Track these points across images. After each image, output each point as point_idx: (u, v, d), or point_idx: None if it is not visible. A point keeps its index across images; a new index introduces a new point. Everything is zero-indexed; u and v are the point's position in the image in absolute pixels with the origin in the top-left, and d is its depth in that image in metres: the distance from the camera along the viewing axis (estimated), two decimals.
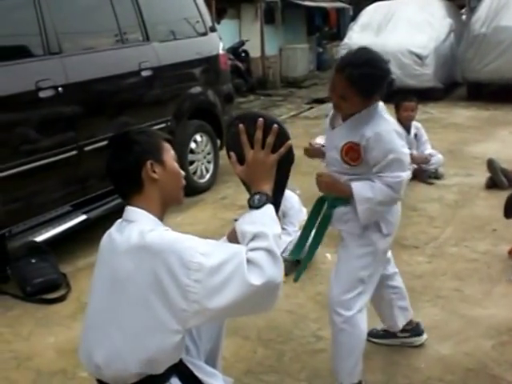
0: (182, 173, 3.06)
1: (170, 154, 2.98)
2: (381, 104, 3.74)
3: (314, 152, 4.26)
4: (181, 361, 2.96)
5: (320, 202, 4.02)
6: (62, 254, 6.30)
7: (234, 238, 2.92)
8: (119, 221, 2.93)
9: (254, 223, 2.69)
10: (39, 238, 6.18)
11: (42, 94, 6.12)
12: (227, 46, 17.56)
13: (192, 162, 8.60)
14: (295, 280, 4.40)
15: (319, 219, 4.03)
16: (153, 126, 7.54)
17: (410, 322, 4.56)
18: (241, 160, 2.85)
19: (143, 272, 2.62)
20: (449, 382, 4.21)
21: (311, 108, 16.11)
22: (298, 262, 5.98)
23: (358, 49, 3.75)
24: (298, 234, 5.87)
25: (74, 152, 6.49)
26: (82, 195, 6.64)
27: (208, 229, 7.00)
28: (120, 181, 2.94)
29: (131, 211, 2.87)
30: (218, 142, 9.17)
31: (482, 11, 15.10)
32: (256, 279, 2.50)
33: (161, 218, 2.91)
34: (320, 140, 4.36)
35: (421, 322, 4.65)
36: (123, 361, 2.71)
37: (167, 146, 3.00)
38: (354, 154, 3.70)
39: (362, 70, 3.55)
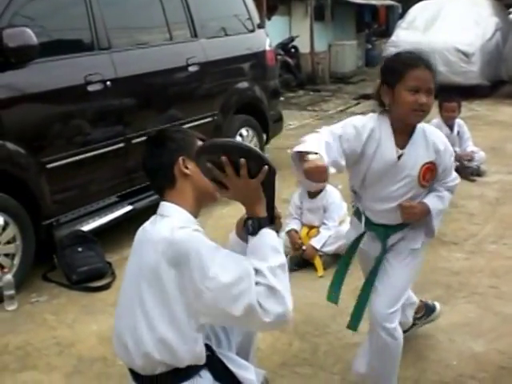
0: None
1: None
2: None
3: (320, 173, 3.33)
4: (213, 353, 2.96)
5: (356, 243, 3.87)
6: (108, 244, 6.32)
7: (241, 234, 2.97)
8: (154, 216, 2.95)
9: (252, 253, 2.69)
10: (86, 228, 6.22)
11: (90, 88, 6.15)
12: (277, 42, 17.60)
13: None
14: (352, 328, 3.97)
15: (372, 265, 3.78)
16: (199, 119, 7.57)
17: (419, 308, 4.48)
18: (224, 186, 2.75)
19: (166, 266, 2.66)
20: (481, 379, 4.12)
21: (358, 104, 16.00)
22: (338, 257, 5.95)
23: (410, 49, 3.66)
24: (338, 228, 5.88)
25: (121, 144, 6.51)
26: (128, 186, 6.66)
27: None
28: (155, 176, 3.00)
29: (165, 206, 2.92)
30: (264, 136, 9.09)
31: None
32: (265, 318, 2.56)
33: (195, 215, 2.92)
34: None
35: (424, 299, 4.59)
36: (146, 347, 2.74)
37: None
38: (430, 175, 3.54)
39: (430, 59, 3.47)
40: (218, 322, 2.75)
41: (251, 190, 2.70)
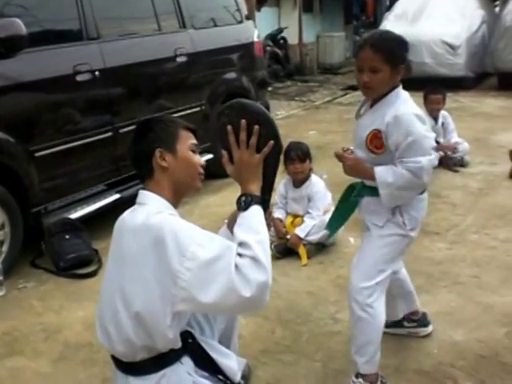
0: (201, 162, 3.05)
1: (186, 143, 2.99)
2: (404, 91, 3.68)
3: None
4: (194, 340, 2.97)
5: (350, 190, 3.95)
6: (95, 231, 6.31)
7: (231, 228, 2.94)
8: (134, 205, 2.96)
9: (240, 227, 2.68)
10: (73, 216, 6.22)
11: (79, 78, 6.14)
12: (266, 33, 17.59)
13: None
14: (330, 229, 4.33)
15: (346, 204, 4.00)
16: (187, 109, 7.59)
17: (415, 313, 4.49)
18: (232, 158, 2.83)
19: (143, 251, 2.66)
20: (460, 367, 4.13)
21: (346, 94, 16.00)
22: (322, 246, 5.98)
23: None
24: (322, 218, 5.89)
25: (109, 133, 6.51)
26: (115, 175, 6.66)
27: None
28: (136, 165, 3.01)
29: (143, 194, 2.93)
30: None
31: None
32: (246, 291, 2.49)
33: (174, 204, 2.94)
34: None
35: (427, 312, 4.56)
36: (126, 332, 2.76)
37: (186, 134, 3.01)
38: (378, 142, 3.62)
39: (383, 36, 3.63)
40: (194, 306, 2.69)
41: (252, 165, 2.76)
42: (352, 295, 3.77)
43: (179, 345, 2.85)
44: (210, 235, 2.68)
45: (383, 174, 3.59)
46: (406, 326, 4.51)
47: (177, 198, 2.98)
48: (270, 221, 3.09)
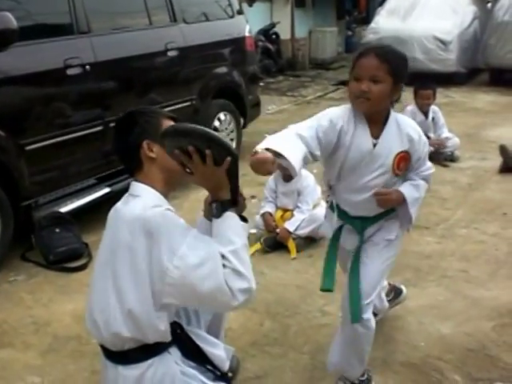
0: None
1: None
2: None
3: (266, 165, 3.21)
4: (182, 330, 3.01)
5: (336, 239, 3.84)
6: (86, 225, 6.32)
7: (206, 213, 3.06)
8: (126, 195, 2.99)
9: (216, 236, 2.76)
10: (64, 209, 6.23)
11: (69, 72, 6.13)
12: (258, 28, 17.56)
13: None
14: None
15: (350, 259, 3.76)
16: (178, 104, 7.57)
17: (388, 291, 4.53)
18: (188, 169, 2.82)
19: (137, 242, 2.70)
20: (447, 360, 4.17)
21: (337, 89, 15.97)
22: (311, 240, 5.99)
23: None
24: (312, 212, 5.92)
25: (99, 127, 6.51)
26: (106, 169, 6.66)
27: None
28: (124, 159, 3.04)
29: (136, 186, 2.96)
30: (242, 120, 9.12)
31: (505, 0, 14.96)
32: (232, 301, 2.64)
33: (165, 194, 2.97)
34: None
35: (392, 282, 4.63)
36: (116, 323, 2.80)
37: (169, 123, 3.03)
38: (404, 164, 3.54)
39: (389, 49, 3.43)
40: (182, 302, 2.77)
41: (216, 176, 2.76)
42: None
43: (169, 338, 2.89)
44: (201, 237, 2.75)
45: (410, 192, 3.56)
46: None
47: (168, 187, 3.01)
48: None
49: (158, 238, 2.64)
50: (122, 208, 2.90)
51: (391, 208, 3.63)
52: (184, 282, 2.62)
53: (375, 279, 3.67)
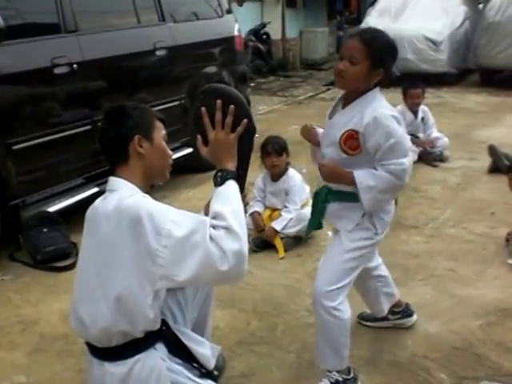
0: (170, 153, 3.12)
1: (160, 132, 3.06)
2: (380, 94, 3.62)
3: (310, 134, 3.93)
4: (168, 328, 3.03)
5: (316, 196, 3.93)
6: (74, 224, 6.27)
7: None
8: (105, 193, 3.00)
9: (215, 200, 2.75)
10: (52, 209, 6.21)
11: (57, 71, 6.12)
12: (249, 28, 17.55)
13: None
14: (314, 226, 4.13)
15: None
16: (167, 103, 7.56)
17: (399, 304, 4.51)
18: (206, 141, 2.90)
19: (120, 234, 2.72)
20: (434, 359, 4.18)
21: (328, 90, 15.98)
22: (300, 239, 6.01)
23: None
24: (300, 211, 5.94)
25: (88, 127, 6.49)
26: (94, 168, 6.63)
27: None
28: (109, 151, 3.03)
29: (114, 181, 2.97)
30: None
31: (496, 0, 15.01)
32: (223, 265, 2.57)
33: (143, 190, 2.97)
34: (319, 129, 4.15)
35: (410, 303, 4.61)
36: (104, 317, 2.80)
37: (159, 124, 3.07)
38: (353, 143, 3.55)
39: (376, 34, 3.53)
40: (174, 282, 2.73)
41: (228, 144, 2.84)
42: (318, 299, 3.71)
43: (158, 325, 2.91)
44: (183, 212, 2.75)
45: (364, 177, 3.54)
46: (390, 319, 4.54)
47: (146, 184, 3.04)
48: (246, 203, 3.15)
49: (140, 224, 2.64)
50: (100, 204, 2.92)
51: (353, 195, 3.62)
52: (173, 259, 2.62)
53: (336, 267, 3.71)
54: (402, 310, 4.56)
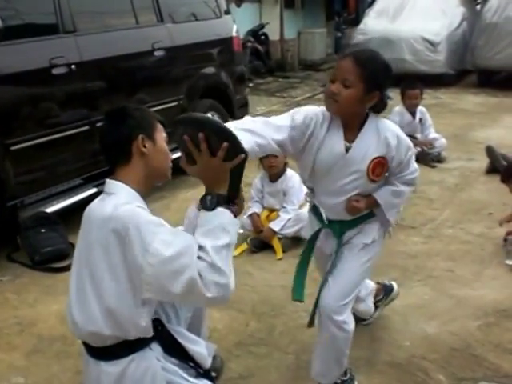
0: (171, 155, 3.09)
1: (161, 134, 3.05)
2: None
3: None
4: (163, 327, 3.02)
5: (311, 243, 3.86)
6: (72, 225, 6.24)
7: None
8: (102, 194, 2.97)
9: (201, 226, 2.70)
10: (50, 209, 6.20)
11: (55, 71, 6.11)
12: (247, 29, 17.53)
13: None
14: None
15: (328, 263, 3.75)
16: (165, 103, 7.56)
17: (377, 293, 4.49)
18: (191, 158, 2.78)
19: (111, 241, 2.69)
20: (432, 360, 4.17)
21: None
22: (298, 240, 5.98)
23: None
24: (298, 212, 5.92)
25: (86, 127, 6.49)
26: (93, 169, 6.62)
27: None
28: (111, 152, 2.99)
29: (111, 184, 2.93)
30: (229, 120, 9.04)
31: (494, 1, 14.99)
32: (206, 292, 2.56)
33: (142, 193, 2.95)
34: None
35: (382, 282, 4.64)
36: (95, 320, 2.80)
37: (160, 126, 3.06)
38: (380, 170, 3.47)
39: (370, 54, 3.41)
40: (160, 297, 2.75)
41: (220, 170, 2.73)
42: (328, 315, 3.58)
43: (151, 333, 2.89)
44: (174, 231, 2.71)
45: (387, 198, 3.54)
46: (379, 305, 4.55)
47: (146, 186, 3.00)
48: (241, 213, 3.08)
49: (129, 236, 2.62)
50: (96, 207, 2.89)
51: (369, 212, 3.62)
52: (158, 278, 2.59)
53: (350, 282, 3.64)
54: (383, 294, 4.56)
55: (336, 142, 3.44)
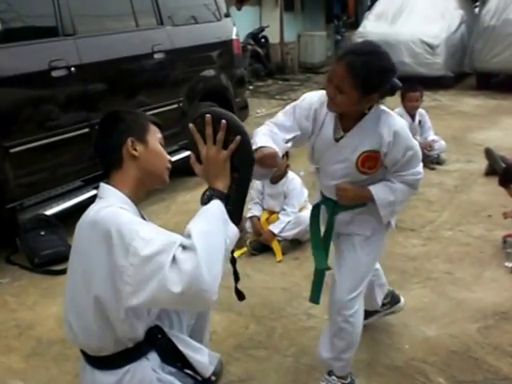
0: (168, 157, 3.03)
1: (155, 135, 2.97)
2: (381, 106, 3.44)
3: (274, 160, 3.32)
4: (163, 335, 2.94)
5: (315, 212, 3.85)
6: (71, 228, 6.15)
7: None
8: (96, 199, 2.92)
9: (193, 218, 2.60)
10: (49, 212, 6.16)
11: (54, 74, 6.07)
12: (247, 32, 17.54)
13: None
14: (313, 301, 3.97)
15: (322, 230, 3.81)
16: (165, 106, 7.53)
17: (386, 294, 4.46)
18: (199, 159, 2.76)
19: (95, 245, 2.59)
20: (431, 363, 4.14)
21: None
22: (298, 242, 5.95)
23: (363, 41, 3.59)
24: (297, 214, 5.89)
25: (86, 130, 6.45)
26: (92, 171, 6.53)
27: None
28: (103, 157, 2.93)
29: (103, 188, 2.87)
30: None
31: (492, 4, 14.95)
32: (175, 286, 2.36)
33: (135, 198, 2.88)
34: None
35: (393, 289, 4.60)
36: (89, 327, 2.74)
37: (154, 128, 3.00)
38: (372, 163, 3.44)
39: (365, 58, 3.19)
40: (142, 301, 2.60)
41: (219, 161, 2.68)
42: (337, 309, 3.63)
43: (141, 337, 2.82)
44: (157, 230, 2.60)
45: (382, 193, 3.49)
46: (380, 311, 4.51)
47: (140, 191, 2.92)
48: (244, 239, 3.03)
49: (110, 239, 2.52)
50: (88, 211, 2.80)
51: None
52: (139, 277, 2.45)
53: (357, 275, 3.64)
54: (389, 301, 4.53)
55: (328, 129, 3.47)
